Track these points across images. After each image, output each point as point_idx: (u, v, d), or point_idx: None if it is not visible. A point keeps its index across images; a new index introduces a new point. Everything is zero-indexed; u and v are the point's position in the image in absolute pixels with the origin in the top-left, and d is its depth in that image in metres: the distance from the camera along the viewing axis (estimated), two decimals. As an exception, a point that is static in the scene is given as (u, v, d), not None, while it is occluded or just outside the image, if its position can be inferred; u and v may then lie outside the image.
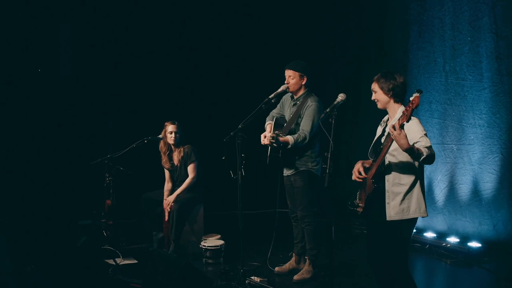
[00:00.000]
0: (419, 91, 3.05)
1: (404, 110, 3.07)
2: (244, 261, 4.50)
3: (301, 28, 7.39)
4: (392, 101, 3.42)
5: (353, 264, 5.12)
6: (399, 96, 3.41)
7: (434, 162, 5.65)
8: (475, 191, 5.48)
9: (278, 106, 4.87)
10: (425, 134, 3.25)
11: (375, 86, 3.45)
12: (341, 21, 7.19)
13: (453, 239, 5.55)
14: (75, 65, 6.78)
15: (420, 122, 3.32)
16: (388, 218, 3.34)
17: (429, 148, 3.18)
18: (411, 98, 3.05)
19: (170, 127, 5.47)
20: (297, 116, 4.59)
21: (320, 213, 4.84)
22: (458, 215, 5.63)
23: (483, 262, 5.16)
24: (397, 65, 6.19)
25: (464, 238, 5.51)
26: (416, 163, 3.29)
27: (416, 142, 3.22)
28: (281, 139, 4.44)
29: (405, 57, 6.17)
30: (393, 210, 3.33)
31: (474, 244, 5.35)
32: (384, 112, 3.53)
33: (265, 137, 4.58)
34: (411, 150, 3.12)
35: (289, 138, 4.46)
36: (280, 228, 4.94)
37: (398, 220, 3.32)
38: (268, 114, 4.88)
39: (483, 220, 5.43)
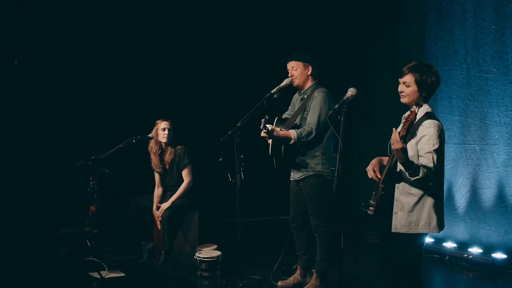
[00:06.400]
0: None
1: (404, 117, 2.95)
2: (243, 274, 4.49)
3: (304, 19, 7.35)
4: (422, 99, 3.30)
5: (366, 278, 5.07)
6: (430, 95, 3.32)
7: (455, 164, 5.74)
8: (500, 196, 5.45)
9: (290, 107, 4.84)
10: (435, 150, 3.14)
11: (409, 79, 3.28)
12: (349, 9, 7.16)
13: (475, 250, 5.52)
14: (56, 56, 6.73)
15: (439, 133, 3.19)
16: (393, 230, 3.31)
17: (429, 169, 3.10)
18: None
19: (163, 124, 5.47)
20: (303, 110, 4.53)
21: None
22: (481, 223, 5.60)
23: (509, 275, 5.13)
24: (413, 56, 6.14)
25: (488, 249, 5.47)
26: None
27: (418, 156, 3.16)
28: (281, 133, 4.37)
29: (422, 48, 6.14)
30: (399, 222, 3.30)
31: (499, 255, 5.32)
32: (397, 106, 3.49)
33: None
34: (408, 165, 3.07)
35: (291, 132, 4.38)
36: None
37: (404, 233, 3.29)
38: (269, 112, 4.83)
39: (509, 229, 5.40)
